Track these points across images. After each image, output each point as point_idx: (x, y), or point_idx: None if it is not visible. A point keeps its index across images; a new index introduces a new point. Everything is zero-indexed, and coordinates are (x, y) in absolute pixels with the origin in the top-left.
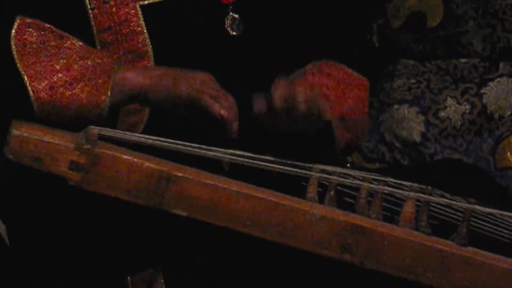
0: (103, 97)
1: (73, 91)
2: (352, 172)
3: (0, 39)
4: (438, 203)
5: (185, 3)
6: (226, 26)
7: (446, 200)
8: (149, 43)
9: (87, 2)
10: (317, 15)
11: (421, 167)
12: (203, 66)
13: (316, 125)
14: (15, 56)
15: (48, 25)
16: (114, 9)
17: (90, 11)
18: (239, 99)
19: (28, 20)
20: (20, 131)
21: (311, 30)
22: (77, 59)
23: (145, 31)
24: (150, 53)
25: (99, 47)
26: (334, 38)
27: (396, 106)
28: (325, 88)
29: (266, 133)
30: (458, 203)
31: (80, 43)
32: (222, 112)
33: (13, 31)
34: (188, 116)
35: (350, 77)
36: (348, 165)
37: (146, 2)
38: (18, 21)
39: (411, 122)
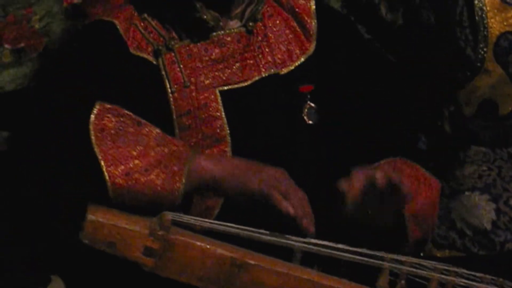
0: (178, 184)
1: (149, 177)
2: (423, 262)
3: (79, 123)
4: None
5: (264, 90)
6: (303, 115)
7: None
8: (227, 128)
9: (168, 85)
10: (390, 104)
11: (492, 256)
12: (277, 151)
13: (393, 215)
14: (93, 141)
15: (127, 112)
16: (194, 94)
17: (170, 94)
18: (311, 188)
19: (108, 106)
20: (95, 216)
21: (385, 118)
22: (154, 146)
23: (223, 116)
24: (228, 138)
25: (177, 131)
26: (406, 124)
27: (467, 193)
28: None
29: (340, 223)
30: None
31: (158, 130)
32: (290, 209)
33: (93, 116)
34: (259, 209)
35: (423, 176)
36: (422, 254)
37: (225, 88)
38: (97, 107)
39: (481, 210)
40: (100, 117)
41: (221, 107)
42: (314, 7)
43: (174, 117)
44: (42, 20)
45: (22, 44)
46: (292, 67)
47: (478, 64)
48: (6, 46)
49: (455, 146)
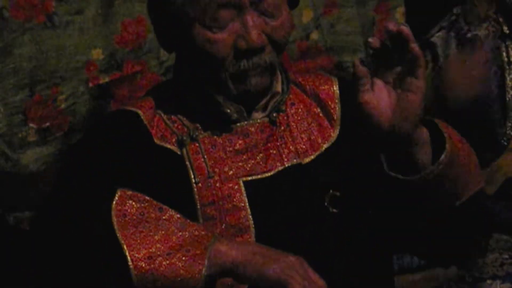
0: (200, 267)
1: (171, 261)
2: None
3: (102, 209)
4: None
5: (286, 180)
6: (326, 203)
7: None
8: (251, 218)
9: (192, 176)
10: (413, 190)
11: None
12: (301, 241)
13: None
14: (116, 227)
15: (148, 198)
16: (218, 184)
17: (194, 185)
18: (334, 276)
19: (129, 193)
20: None
21: (409, 205)
22: (176, 230)
23: (247, 206)
24: (252, 228)
25: (201, 221)
26: (428, 208)
27: (488, 282)
28: None
29: None
30: None
31: (178, 215)
32: None
33: (114, 202)
34: None
35: None
36: None
37: (249, 178)
38: (119, 193)
39: None
40: (122, 203)
41: (245, 198)
42: (338, 91)
43: (198, 207)
44: (68, 100)
45: (48, 124)
46: (314, 156)
47: (505, 143)
48: (32, 125)
49: (477, 233)
